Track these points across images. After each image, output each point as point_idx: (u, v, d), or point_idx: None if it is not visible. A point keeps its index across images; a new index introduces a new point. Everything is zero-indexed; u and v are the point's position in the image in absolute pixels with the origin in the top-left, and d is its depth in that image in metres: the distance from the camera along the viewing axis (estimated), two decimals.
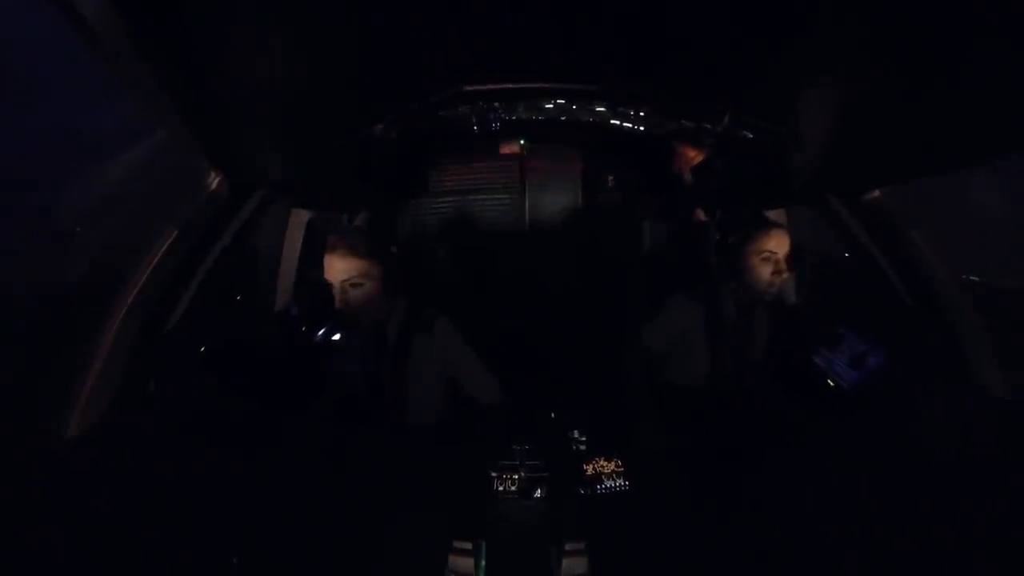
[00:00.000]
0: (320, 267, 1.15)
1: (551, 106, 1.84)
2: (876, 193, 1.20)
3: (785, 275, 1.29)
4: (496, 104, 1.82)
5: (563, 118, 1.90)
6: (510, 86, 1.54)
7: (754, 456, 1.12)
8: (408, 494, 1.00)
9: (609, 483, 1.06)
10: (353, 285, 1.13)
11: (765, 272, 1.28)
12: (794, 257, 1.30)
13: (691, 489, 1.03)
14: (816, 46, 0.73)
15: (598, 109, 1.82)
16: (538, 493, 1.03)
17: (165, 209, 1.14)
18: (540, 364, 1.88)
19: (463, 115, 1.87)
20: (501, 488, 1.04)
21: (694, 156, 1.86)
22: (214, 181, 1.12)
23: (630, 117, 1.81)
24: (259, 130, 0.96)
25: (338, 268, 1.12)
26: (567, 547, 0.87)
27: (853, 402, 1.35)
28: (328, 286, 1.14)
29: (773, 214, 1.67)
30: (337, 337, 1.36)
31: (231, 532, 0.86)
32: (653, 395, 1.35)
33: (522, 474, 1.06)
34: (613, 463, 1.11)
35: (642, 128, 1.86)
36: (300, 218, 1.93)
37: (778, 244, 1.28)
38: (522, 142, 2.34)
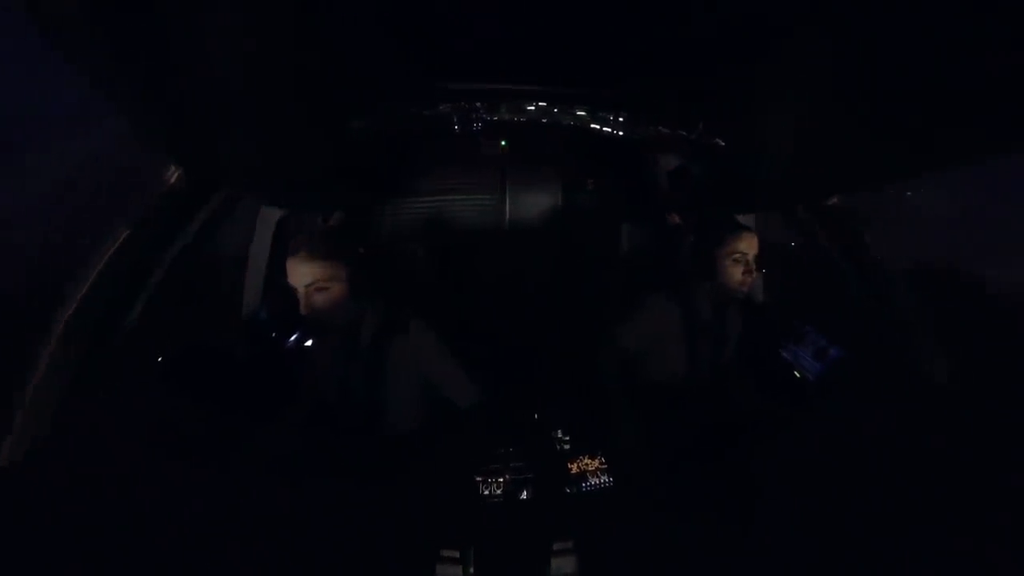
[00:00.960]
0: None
1: (532, 108, 1.85)
2: (835, 199, 1.29)
3: (755, 275, 1.35)
4: (478, 104, 1.81)
5: (544, 121, 1.92)
6: (492, 87, 1.53)
7: (732, 450, 1.17)
8: (390, 503, 0.97)
9: (594, 480, 1.07)
10: (318, 289, 1.08)
11: (737, 272, 1.34)
12: (763, 258, 1.37)
13: (672, 485, 1.06)
14: (785, 60, 0.77)
15: (578, 113, 1.86)
16: (524, 495, 1.02)
17: (116, 204, 1.05)
18: (521, 365, 1.88)
19: (444, 114, 1.85)
20: (487, 492, 1.03)
21: (670, 161, 1.93)
22: (172, 175, 1.04)
23: (609, 122, 1.86)
24: (228, 123, 0.90)
25: (301, 272, 1.07)
26: (555, 547, 0.87)
27: (817, 393, 1.44)
28: (293, 291, 1.09)
29: (743, 218, 1.75)
30: (309, 343, 1.29)
31: (196, 551, 0.79)
32: (631, 393, 1.38)
33: (507, 477, 1.05)
34: (597, 460, 1.12)
35: (620, 133, 1.91)
36: (270, 217, 1.83)
37: (748, 246, 1.35)
38: (503, 143, 2.34)
